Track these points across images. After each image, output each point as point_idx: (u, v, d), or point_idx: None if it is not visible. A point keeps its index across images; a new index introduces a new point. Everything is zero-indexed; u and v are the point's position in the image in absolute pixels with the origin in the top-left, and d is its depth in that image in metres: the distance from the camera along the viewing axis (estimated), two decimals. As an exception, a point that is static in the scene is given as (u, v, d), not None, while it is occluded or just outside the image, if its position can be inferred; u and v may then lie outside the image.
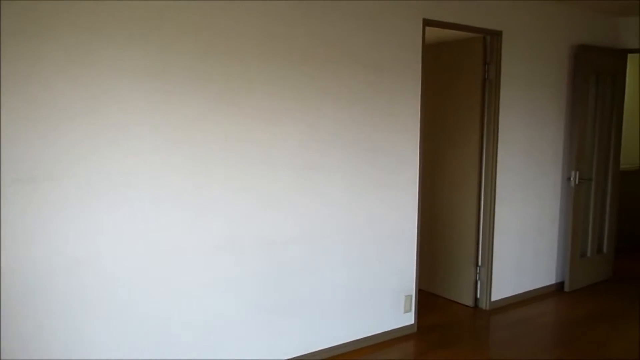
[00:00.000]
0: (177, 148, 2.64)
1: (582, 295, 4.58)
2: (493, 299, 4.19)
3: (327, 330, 3.29)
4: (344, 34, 3.16)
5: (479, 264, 4.18)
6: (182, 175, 2.67)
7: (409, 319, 3.69)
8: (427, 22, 3.51)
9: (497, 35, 3.94)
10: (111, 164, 2.47)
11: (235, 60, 2.77)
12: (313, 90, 3.07)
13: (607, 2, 4.31)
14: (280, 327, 3.10)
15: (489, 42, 3.99)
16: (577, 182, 4.51)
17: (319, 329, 3.26)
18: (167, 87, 2.58)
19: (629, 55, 5.04)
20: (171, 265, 2.68)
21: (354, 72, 3.22)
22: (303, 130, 3.06)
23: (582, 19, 4.58)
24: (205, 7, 2.65)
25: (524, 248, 4.41)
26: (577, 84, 4.49)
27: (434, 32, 4.02)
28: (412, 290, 3.69)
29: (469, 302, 4.22)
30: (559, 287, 4.70)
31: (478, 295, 4.22)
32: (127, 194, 2.52)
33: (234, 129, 2.81)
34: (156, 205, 2.60)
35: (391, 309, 3.60)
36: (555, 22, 4.37)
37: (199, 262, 2.77)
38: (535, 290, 4.52)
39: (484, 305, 4.18)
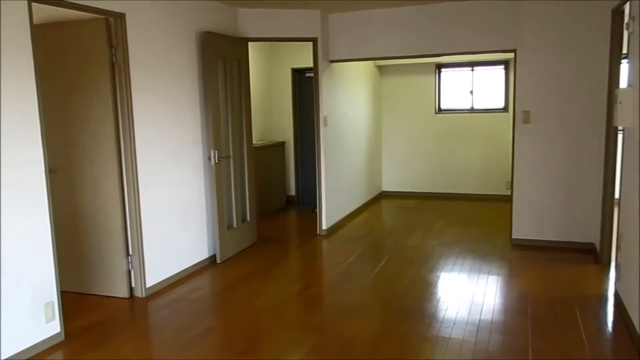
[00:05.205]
0: None
1: (232, 262, 5.02)
2: (148, 285, 4.18)
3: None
4: None
5: (130, 253, 4.09)
6: None
7: (54, 327, 3.35)
8: (32, -2, 3.13)
9: (120, 17, 3.81)
10: None
11: None
12: None
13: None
14: None
15: (112, 25, 3.85)
16: (217, 161, 4.85)
17: None
18: None
19: (250, 43, 5.64)
20: None
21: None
22: None
23: (207, 7, 4.87)
24: None
25: (174, 230, 4.51)
26: (206, 69, 4.77)
27: (53, 11, 3.63)
28: (54, 297, 3.34)
29: (124, 293, 4.10)
30: (212, 260, 5.03)
31: (133, 285, 4.14)
32: None
33: None
34: None
35: (29, 323, 3.19)
36: (180, 8, 4.51)
37: None
38: (190, 267, 4.72)
39: (139, 293, 4.13)
